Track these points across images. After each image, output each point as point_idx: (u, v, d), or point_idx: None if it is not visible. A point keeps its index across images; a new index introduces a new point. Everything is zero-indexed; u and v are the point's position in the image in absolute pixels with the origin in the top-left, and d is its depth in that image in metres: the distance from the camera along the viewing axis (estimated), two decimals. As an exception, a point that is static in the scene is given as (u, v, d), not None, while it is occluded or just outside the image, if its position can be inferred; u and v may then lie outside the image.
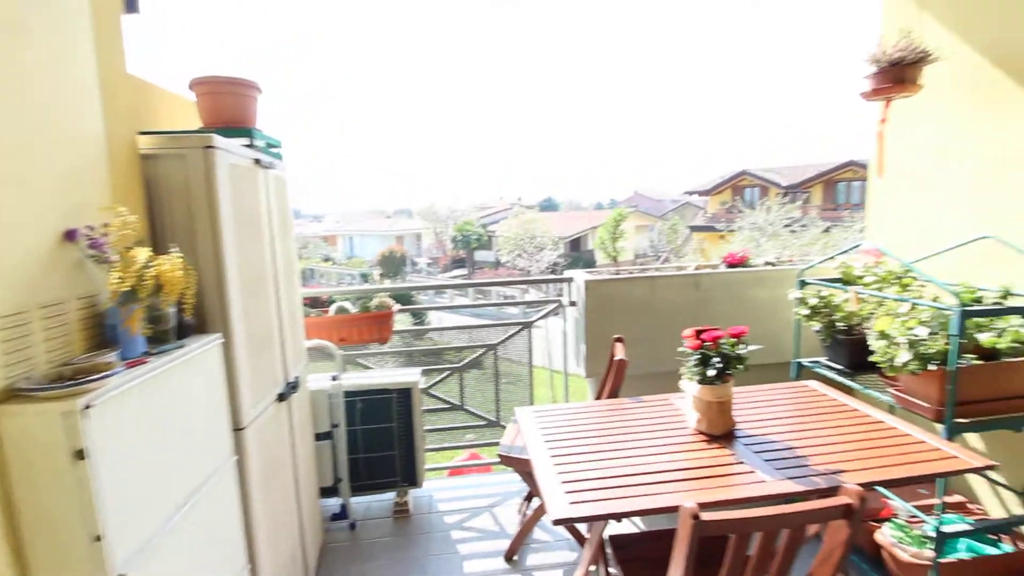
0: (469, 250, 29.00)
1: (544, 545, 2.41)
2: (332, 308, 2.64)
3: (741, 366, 1.59)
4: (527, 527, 2.34)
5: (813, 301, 2.27)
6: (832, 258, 2.38)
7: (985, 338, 1.79)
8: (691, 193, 32.82)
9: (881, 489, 2.08)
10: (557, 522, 1.24)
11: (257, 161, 1.83)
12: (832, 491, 1.17)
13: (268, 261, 1.88)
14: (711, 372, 1.58)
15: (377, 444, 2.63)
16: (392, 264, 26.32)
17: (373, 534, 2.53)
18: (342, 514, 2.60)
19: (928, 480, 1.48)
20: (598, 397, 2.32)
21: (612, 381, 2.16)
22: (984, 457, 1.50)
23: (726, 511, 1.07)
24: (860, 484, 1.38)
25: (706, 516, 1.02)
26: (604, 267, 3.17)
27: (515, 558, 2.31)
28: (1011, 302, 1.80)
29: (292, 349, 2.09)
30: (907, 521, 2.00)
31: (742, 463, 1.48)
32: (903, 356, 1.74)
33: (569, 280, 2.94)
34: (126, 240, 1.24)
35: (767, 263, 3.02)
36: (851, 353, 2.14)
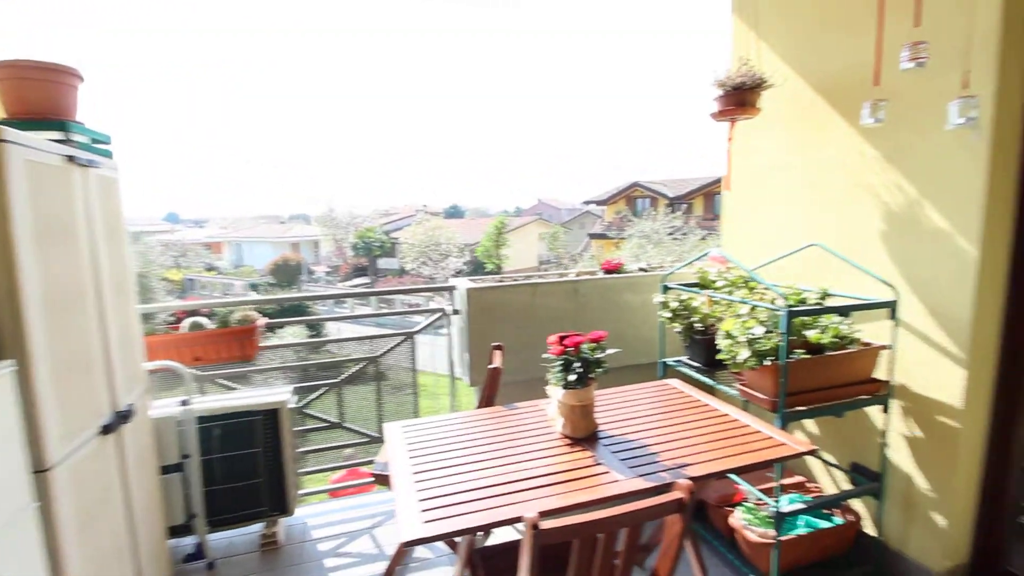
0: (371, 258, 28.06)
1: (425, 563, 2.34)
2: (185, 324, 2.37)
3: (600, 369, 1.65)
4: (400, 553, 2.25)
5: (674, 304, 2.43)
6: (690, 264, 2.57)
7: (812, 334, 2.02)
8: (589, 203, 34.52)
9: (733, 476, 2.26)
10: (407, 544, 1.18)
11: (71, 158, 1.59)
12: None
13: (87, 273, 1.63)
14: (572, 377, 1.62)
15: (240, 472, 2.39)
16: (286, 273, 24.69)
17: (235, 572, 2.30)
18: (198, 554, 2.33)
19: (762, 467, 1.61)
20: (479, 406, 2.30)
21: (487, 389, 2.15)
22: (809, 442, 1.67)
23: (569, 516, 1.08)
24: (703, 475, 1.48)
25: (545, 525, 1.01)
26: (490, 275, 3.18)
27: (393, 581, 2.21)
28: (830, 302, 2.05)
29: (124, 373, 1.83)
30: (755, 504, 2.19)
31: (600, 464, 1.52)
32: (743, 353, 1.90)
33: (452, 288, 2.90)
34: None
35: (640, 269, 3.19)
36: (706, 352, 2.31)
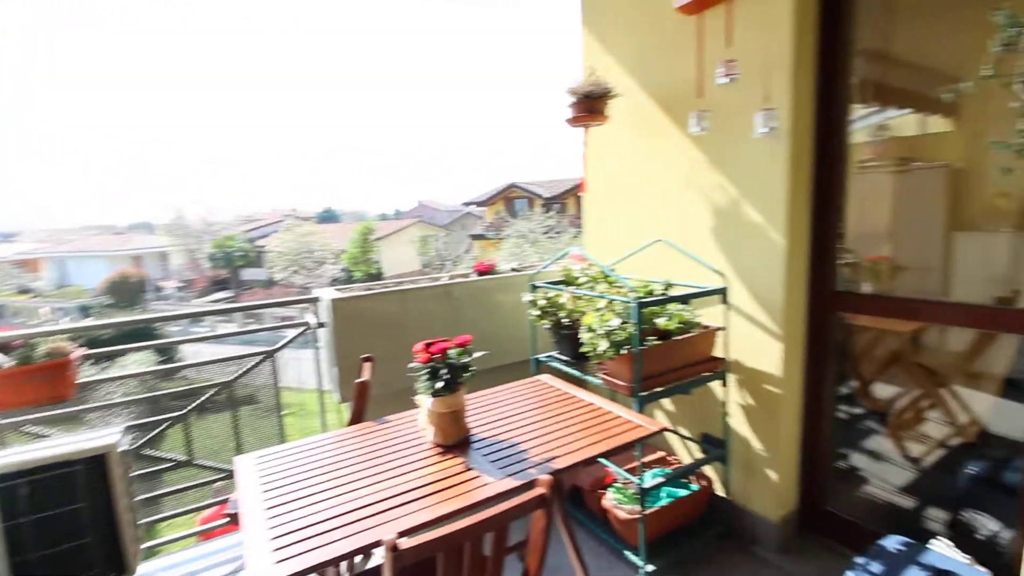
0: (233, 269, 25.53)
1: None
2: (-33, 365, 1.93)
3: (468, 374, 1.64)
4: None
5: (542, 302, 2.51)
6: (554, 263, 2.68)
7: (661, 322, 2.20)
8: (470, 204, 34.82)
9: (602, 460, 2.40)
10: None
11: None
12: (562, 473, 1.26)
13: None
14: (440, 384, 1.59)
15: (60, 535, 2.01)
16: (126, 291, 21.51)
17: (58, 654, 1.93)
18: (4, 641, 1.92)
19: (623, 450, 1.73)
20: (350, 423, 2.17)
21: (356, 405, 2.05)
22: (662, 422, 1.81)
23: (433, 531, 1.05)
24: (569, 465, 1.54)
25: (406, 544, 0.97)
26: (359, 283, 3.03)
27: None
28: (673, 292, 2.25)
29: None
30: (623, 484, 2.35)
31: (471, 469, 1.52)
32: (603, 344, 2.02)
33: (316, 299, 2.72)
34: None
35: (512, 269, 3.27)
36: (573, 346, 2.42)
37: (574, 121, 2.50)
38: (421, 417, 1.71)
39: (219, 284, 25.93)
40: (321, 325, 2.70)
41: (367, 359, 2.20)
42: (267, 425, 3.06)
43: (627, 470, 2.24)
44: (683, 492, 2.39)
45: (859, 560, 1.68)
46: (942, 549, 1.78)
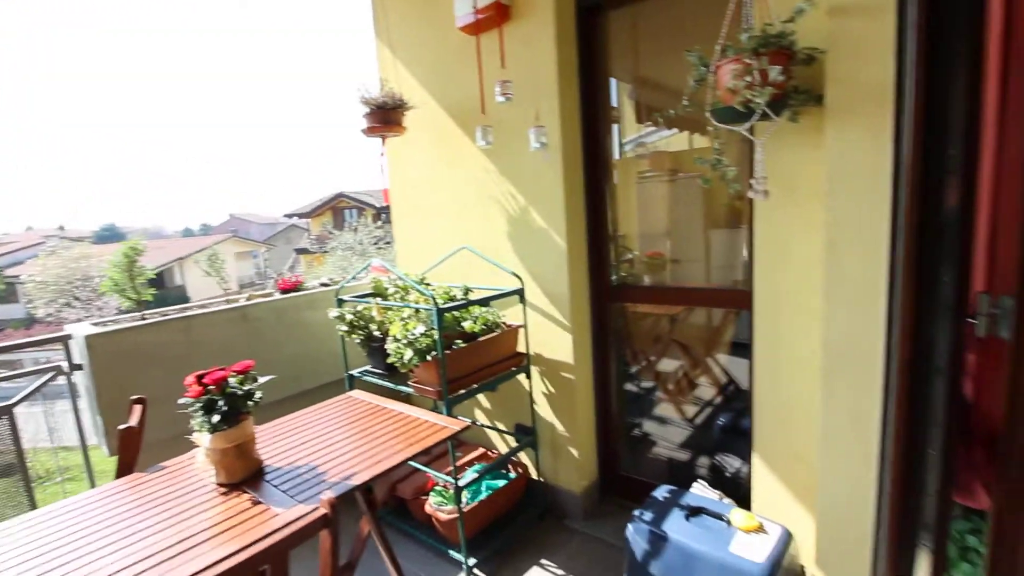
0: (-30, 307, 19.92)
1: None
2: None
3: (251, 402, 1.52)
4: None
5: (350, 316, 2.44)
6: (356, 276, 2.63)
7: (467, 325, 2.30)
8: (292, 216, 32.20)
9: (421, 467, 2.42)
10: None
11: None
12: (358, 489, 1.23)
13: None
14: (217, 418, 1.45)
15: None
16: None
17: None
18: None
19: (426, 453, 1.77)
20: (117, 477, 1.85)
21: (122, 455, 1.76)
22: (466, 421, 1.89)
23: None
24: (371, 478, 1.52)
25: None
26: (128, 313, 2.60)
27: None
28: (474, 295, 2.38)
29: None
30: (443, 486, 2.40)
31: (260, 503, 1.41)
32: (408, 353, 2.04)
33: (67, 338, 2.27)
34: None
35: (322, 284, 3.11)
36: (385, 358, 2.40)
37: (370, 131, 2.48)
38: (199, 457, 1.53)
39: None
40: (76, 367, 2.26)
41: (137, 401, 1.90)
42: (14, 496, 2.46)
43: (447, 472, 2.30)
44: (501, 483, 2.52)
45: (636, 512, 1.96)
46: (699, 490, 2.17)
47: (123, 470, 1.76)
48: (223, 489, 1.50)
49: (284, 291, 2.93)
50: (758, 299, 1.85)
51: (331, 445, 1.75)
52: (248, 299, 2.82)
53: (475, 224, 2.64)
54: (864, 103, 1.25)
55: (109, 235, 41.30)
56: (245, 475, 1.54)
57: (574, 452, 2.51)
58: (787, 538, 1.78)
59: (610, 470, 2.68)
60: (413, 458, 1.67)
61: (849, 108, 1.30)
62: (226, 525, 1.32)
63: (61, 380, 2.38)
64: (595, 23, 2.29)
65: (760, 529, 1.79)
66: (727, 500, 2.11)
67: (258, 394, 1.56)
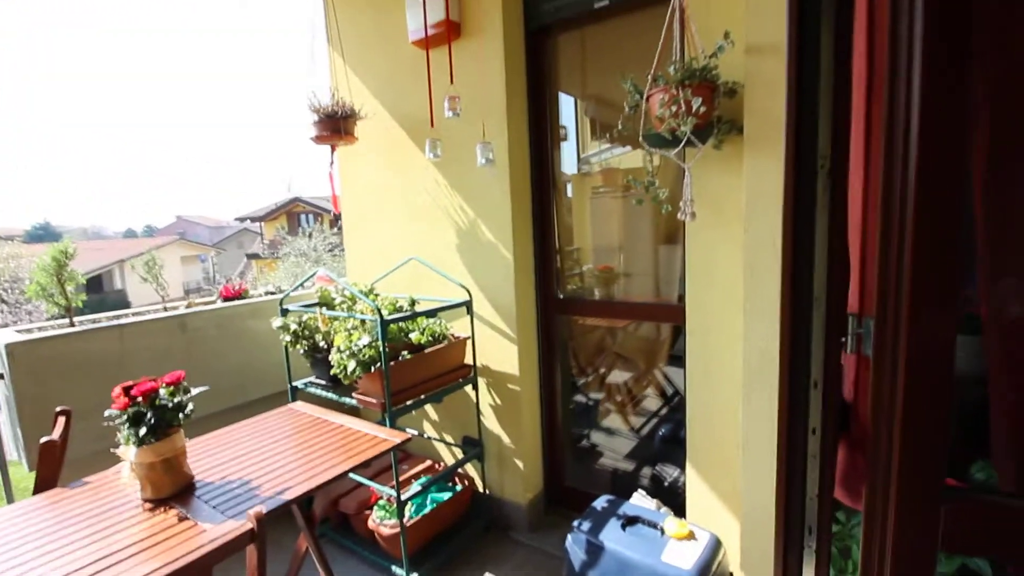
0: None
1: None
2: None
3: (182, 414, 1.48)
4: None
5: (294, 326, 2.41)
6: (301, 285, 2.60)
7: (414, 336, 2.31)
8: (245, 219, 31.15)
9: (360, 478, 2.40)
10: None
11: None
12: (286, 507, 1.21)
13: None
14: (143, 431, 1.40)
15: None
16: None
17: None
18: None
19: (364, 466, 1.76)
20: (35, 492, 1.76)
21: (42, 470, 1.67)
22: (407, 433, 1.90)
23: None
24: (306, 492, 1.51)
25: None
26: (55, 320, 2.48)
27: None
28: (422, 307, 2.39)
29: None
30: (387, 500, 2.38)
31: (187, 519, 1.37)
32: (351, 364, 2.03)
33: (-16, 346, 2.13)
34: None
35: (267, 292, 3.05)
36: (329, 369, 2.37)
37: (319, 139, 2.47)
38: (125, 471, 1.48)
39: None
40: (-4, 377, 2.13)
41: (61, 413, 1.82)
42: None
43: (391, 485, 2.28)
44: (446, 496, 2.52)
45: (575, 523, 2.01)
46: (638, 500, 2.24)
47: (42, 485, 1.67)
48: (149, 505, 1.45)
49: (227, 299, 2.86)
50: (690, 314, 1.94)
51: (267, 459, 1.72)
52: (188, 307, 2.74)
53: (425, 235, 2.66)
54: (773, 133, 1.36)
55: (43, 234, 38.77)
56: (173, 490, 1.49)
57: (520, 464, 2.54)
58: (716, 545, 1.87)
59: (556, 481, 2.72)
60: (354, 471, 1.66)
61: (762, 137, 1.41)
62: (150, 542, 1.28)
63: (-24, 391, 2.23)
64: (544, 44, 2.37)
65: (691, 536, 1.87)
66: (664, 509, 2.19)
67: (190, 406, 1.52)
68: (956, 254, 0.68)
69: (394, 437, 1.84)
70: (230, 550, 1.09)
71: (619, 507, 2.09)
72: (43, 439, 1.67)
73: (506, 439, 2.56)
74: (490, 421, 2.59)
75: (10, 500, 2.34)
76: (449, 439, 2.78)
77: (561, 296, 2.58)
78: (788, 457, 0.92)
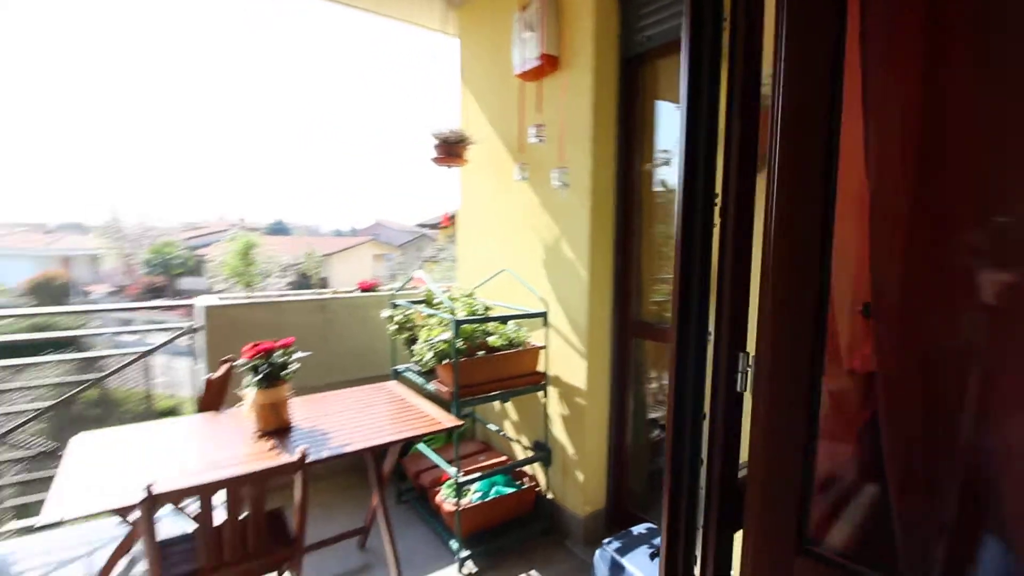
0: (170, 277, 24.61)
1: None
2: None
3: (286, 371, 1.93)
4: (112, 561, 2.23)
5: (399, 318, 2.84)
6: (404, 285, 3.03)
7: (492, 339, 2.57)
8: (424, 226, 35.05)
9: (431, 454, 2.70)
10: (41, 527, 1.31)
11: None
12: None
13: None
14: (257, 378, 1.88)
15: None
16: (49, 293, 20.36)
17: None
18: None
19: (419, 439, 2.06)
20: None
21: (205, 397, 2.29)
22: (458, 420, 2.15)
23: (189, 481, 1.33)
24: (363, 447, 1.85)
25: (157, 490, 1.26)
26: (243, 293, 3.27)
27: (96, 600, 2.18)
28: (493, 313, 2.63)
29: None
30: (456, 481, 2.66)
31: (275, 448, 1.80)
32: (429, 355, 2.36)
33: (192, 305, 2.95)
34: None
35: (394, 289, 3.58)
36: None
37: (436, 161, 2.88)
38: (245, 406, 1.98)
39: (154, 292, 24.81)
40: (195, 330, 2.93)
41: (225, 360, 2.46)
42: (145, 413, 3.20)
43: (465, 470, 2.55)
44: (510, 490, 2.72)
45: (605, 540, 2.05)
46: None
47: (203, 408, 2.29)
48: (257, 433, 1.93)
49: (363, 291, 3.44)
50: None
51: (348, 420, 2.12)
52: (333, 293, 3.37)
53: (519, 249, 2.91)
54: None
55: (277, 229, 48.29)
56: (276, 427, 1.95)
57: (580, 476, 2.62)
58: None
59: (620, 503, 2.73)
60: (428, 447, 1.97)
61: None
62: (248, 455, 1.73)
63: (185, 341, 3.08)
64: (638, 71, 2.45)
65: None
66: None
67: (293, 366, 1.98)
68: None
69: (449, 422, 2.11)
70: (284, 471, 1.44)
71: (654, 537, 2.07)
72: (205, 376, 2.30)
73: (570, 450, 2.66)
74: (557, 429, 2.72)
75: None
76: (525, 442, 2.97)
77: (642, 320, 2.61)
78: (673, 490, 0.93)
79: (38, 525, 1.31)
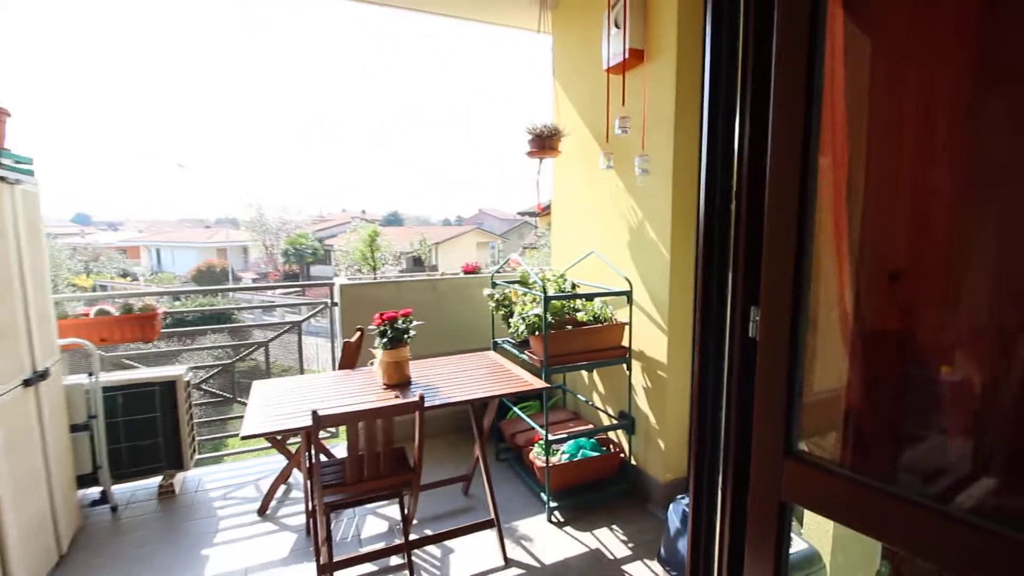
0: (303, 265, 27.73)
1: (290, 500, 2.95)
2: (92, 310, 2.88)
3: (407, 336, 2.36)
4: (276, 483, 2.86)
5: (498, 296, 3.20)
6: (502, 266, 3.36)
7: (580, 315, 2.83)
8: (524, 214, 35.80)
9: (524, 416, 3.03)
10: (244, 437, 1.83)
11: (1, 179, 2.13)
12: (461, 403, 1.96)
13: (13, 265, 2.16)
14: (384, 340, 2.32)
15: (142, 433, 2.91)
16: (210, 279, 24.02)
17: (136, 513, 2.81)
18: (103, 500, 2.83)
19: (514, 399, 2.37)
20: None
21: (342, 358, 2.82)
22: (545, 383, 2.44)
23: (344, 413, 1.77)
24: (463, 399, 2.22)
25: (322, 414, 1.70)
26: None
27: (267, 512, 2.81)
28: (578, 291, 2.87)
29: (42, 344, 2.35)
30: (546, 440, 2.98)
31: (396, 396, 2.23)
32: (522, 327, 2.68)
33: (331, 284, 3.54)
34: None
35: (496, 271, 3.96)
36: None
37: (530, 154, 3.17)
38: (375, 364, 2.45)
39: (290, 278, 28.21)
40: (335, 304, 3.52)
41: (359, 329, 2.98)
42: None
43: (554, 431, 2.87)
44: (595, 453, 2.98)
45: (679, 496, 2.24)
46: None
47: (342, 366, 2.83)
48: (383, 386, 2.38)
49: (467, 273, 3.86)
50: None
51: (454, 378, 2.51)
52: (441, 275, 3.83)
53: (605, 232, 3.12)
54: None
55: (393, 220, 52.02)
56: (398, 381, 2.39)
57: (662, 444, 2.81)
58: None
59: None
60: (508, 406, 2.31)
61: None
62: (377, 402, 2.17)
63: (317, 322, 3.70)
64: (724, 62, 2.53)
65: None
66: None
67: (412, 332, 2.40)
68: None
69: (538, 384, 2.42)
70: (407, 409, 1.84)
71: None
72: (343, 340, 2.82)
73: (652, 419, 2.85)
74: (641, 400, 2.92)
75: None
76: (611, 412, 3.20)
77: (723, 298, 2.71)
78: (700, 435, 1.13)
79: (242, 436, 1.80)
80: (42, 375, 2.31)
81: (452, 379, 2.51)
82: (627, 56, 2.62)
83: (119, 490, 2.98)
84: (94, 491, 2.87)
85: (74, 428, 2.70)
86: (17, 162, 2.36)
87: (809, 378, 0.93)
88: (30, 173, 2.44)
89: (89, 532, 2.64)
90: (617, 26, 2.69)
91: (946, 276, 0.79)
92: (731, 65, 1.08)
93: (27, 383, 2.20)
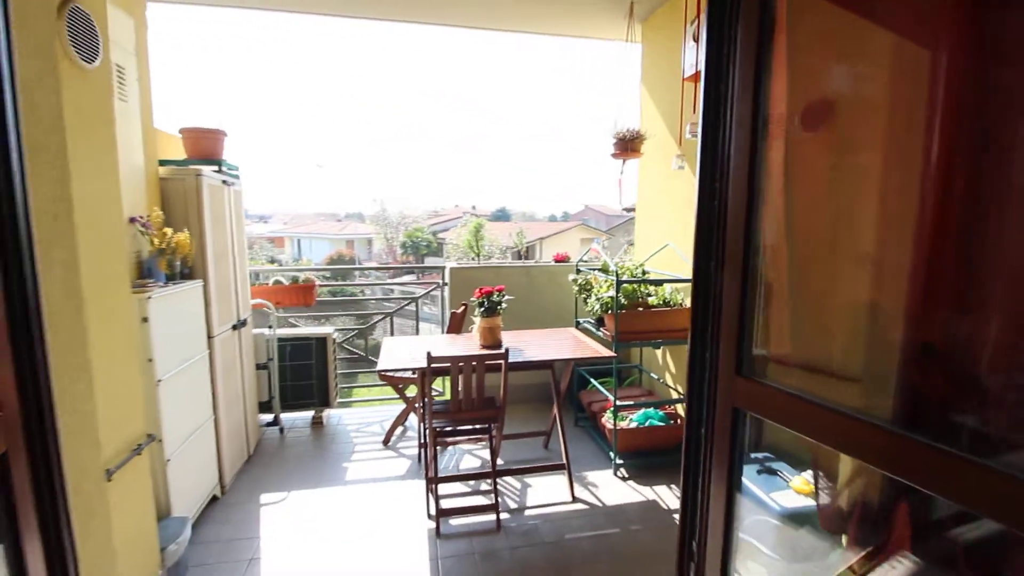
0: (419, 256, 30.00)
1: (408, 436, 3.67)
2: (271, 280, 3.82)
3: (501, 306, 2.92)
4: (396, 422, 3.59)
5: (581, 281, 3.65)
6: (585, 254, 3.79)
7: (651, 299, 3.20)
8: (630, 210, 35.30)
9: (602, 390, 3.45)
10: (381, 374, 2.50)
11: (224, 182, 3.02)
12: (539, 364, 2.50)
13: (229, 243, 3.06)
14: (481, 309, 2.90)
15: (301, 375, 3.81)
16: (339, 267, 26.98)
17: (296, 435, 3.71)
18: (274, 422, 3.76)
19: (591, 368, 2.80)
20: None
21: (451, 324, 3.47)
22: (613, 353, 2.86)
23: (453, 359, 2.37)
24: (544, 359, 2.73)
25: (434, 355, 2.31)
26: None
27: (389, 443, 3.55)
28: (648, 276, 3.23)
29: (242, 301, 3.26)
30: (615, 406, 3.39)
31: (491, 356, 2.80)
32: (597, 307, 3.12)
33: (443, 268, 4.24)
34: (157, 223, 2.42)
35: (581, 260, 4.41)
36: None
37: (615, 156, 3.57)
38: (475, 330, 3.04)
39: (407, 269, 30.78)
40: (446, 284, 4.21)
41: (463, 304, 3.62)
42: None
43: (622, 400, 3.28)
44: (661, 424, 3.32)
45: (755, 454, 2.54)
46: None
47: (450, 331, 3.47)
48: (481, 347, 2.97)
49: (556, 261, 4.36)
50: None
51: (539, 346, 3.03)
52: (535, 263, 4.37)
53: (681, 227, 3.43)
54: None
55: (500, 215, 53.94)
56: (491, 343, 2.96)
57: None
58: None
59: (765, 450, 3.10)
60: (586, 376, 2.79)
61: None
62: (476, 356, 2.76)
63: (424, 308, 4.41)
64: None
65: (812, 493, 2.17)
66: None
67: (504, 305, 2.95)
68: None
69: (608, 353, 2.85)
70: (496, 358, 2.40)
71: (768, 461, 2.48)
72: (451, 311, 3.46)
73: (716, 396, 3.13)
74: (706, 379, 3.21)
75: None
76: (680, 389, 3.52)
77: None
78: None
79: (378, 370, 2.47)
80: (243, 323, 3.21)
81: (536, 346, 3.03)
82: (699, 68, 2.92)
83: (285, 417, 3.91)
84: (267, 416, 3.82)
85: (258, 367, 3.63)
86: (230, 169, 3.29)
87: (754, 322, 1.29)
88: (237, 177, 3.36)
89: (264, 444, 3.56)
90: (694, 39, 3.00)
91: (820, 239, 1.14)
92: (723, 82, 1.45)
93: (234, 327, 3.09)
